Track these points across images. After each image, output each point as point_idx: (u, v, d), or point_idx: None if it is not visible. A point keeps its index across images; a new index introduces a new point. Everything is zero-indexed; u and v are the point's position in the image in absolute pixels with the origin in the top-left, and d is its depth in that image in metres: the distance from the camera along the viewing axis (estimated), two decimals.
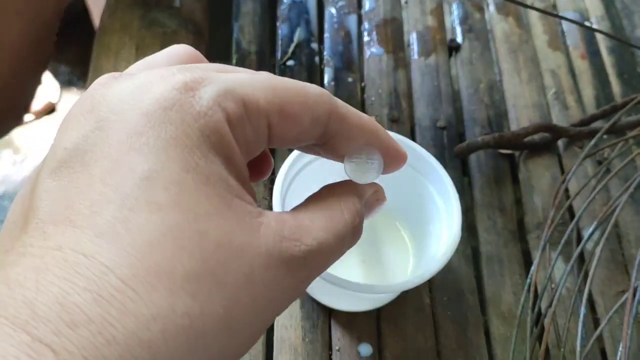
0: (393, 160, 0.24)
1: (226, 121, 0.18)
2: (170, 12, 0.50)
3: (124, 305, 0.15)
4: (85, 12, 1.15)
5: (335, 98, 0.21)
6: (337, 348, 0.39)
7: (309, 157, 0.38)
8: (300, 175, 0.39)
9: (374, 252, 0.41)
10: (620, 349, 0.35)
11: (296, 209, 0.21)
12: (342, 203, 0.22)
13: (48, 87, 1.28)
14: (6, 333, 0.14)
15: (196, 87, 0.18)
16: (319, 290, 0.40)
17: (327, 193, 0.22)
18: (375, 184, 0.24)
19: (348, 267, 0.40)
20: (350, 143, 0.22)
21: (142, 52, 0.47)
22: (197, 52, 0.22)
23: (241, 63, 0.51)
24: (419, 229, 0.41)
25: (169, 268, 0.16)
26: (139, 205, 0.16)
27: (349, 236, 0.21)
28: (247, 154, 0.20)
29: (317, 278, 0.32)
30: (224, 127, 0.18)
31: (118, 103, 0.18)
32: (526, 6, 0.46)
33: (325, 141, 0.22)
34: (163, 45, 0.48)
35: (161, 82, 0.18)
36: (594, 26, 0.57)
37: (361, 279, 0.40)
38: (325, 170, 0.39)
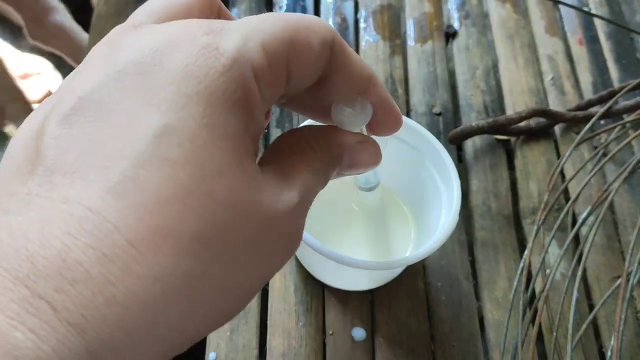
0: (387, 118, 0.23)
1: (252, 73, 0.18)
2: None
3: (127, 265, 0.15)
4: (87, 3, 1.16)
5: None
6: (330, 332, 0.39)
7: None
8: None
9: (377, 229, 0.42)
10: (613, 333, 0.35)
11: (280, 158, 0.21)
12: (321, 148, 0.22)
13: (50, 77, 1.29)
14: (6, 287, 0.14)
15: (218, 40, 0.18)
16: (319, 268, 0.40)
17: (308, 134, 0.22)
18: (363, 135, 0.23)
19: (351, 245, 0.40)
20: (347, 86, 0.21)
21: None
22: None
23: None
24: (421, 209, 0.41)
25: (175, 229, 0.16)
26: (151, 162, 0.16)
27: (330, 174, 0.22)
28: (267, 102, 0.19)
29: (320, 256, 0.33)
30: (250, 81, 0.18)
31: (138, 55, 0.17)
32: None
33: (325, 80, 0.21)
34: None
35: (184, 36, 0.18)
36: (593, 12, 0.57)
37: (364, 256, 0.40)
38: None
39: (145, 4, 0.20)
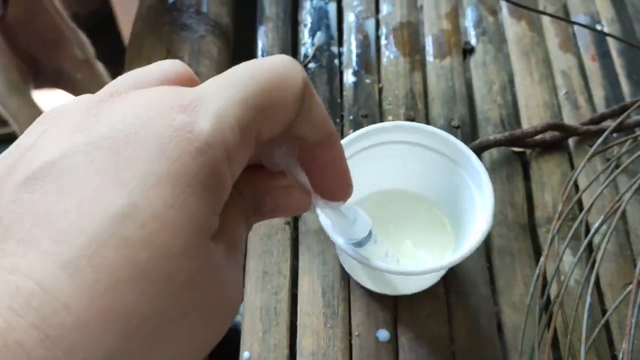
0: (335, 181, 0.23)
1: (225, 156, 0.18)
2: (199, 17, 0.53)
3: (72, 348, 0.14)
4: (110, 17, 1.19)
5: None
6: (356, 333, 0.42)
7: (354, 148, 0.41)
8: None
9: (416, 237, 0.44)
10: (625, 337, 0.38)
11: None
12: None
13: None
14: None
15: (193, 121, 0.17)
16: (366, 277, 0.43)
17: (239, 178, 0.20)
18: (291, 180, 0.22)
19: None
20: (306, 133, 0.21)
21: (172, 56, 0.50)
22: (188, 71, 0.21)
23: None
24: (457, 215, 0.43)
25: (128, 311, 0.15)
26: (110, 241, 0.15)
27: (252, 218, 0.22)
28: (236, 174, 0.19)
29: (376, 270, 0.35)
30: (223, 164, 0.18)
31: (111, 131, 0.17)
32: (537, 11, 0.48)
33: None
34: (192, 50, 0.51)
35: (158, 114, 0.17)
36: (605, 28, 0.59)
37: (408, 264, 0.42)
38: (368, 160, 0.42)
39: (123, 75, 0.20)
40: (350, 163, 0.40)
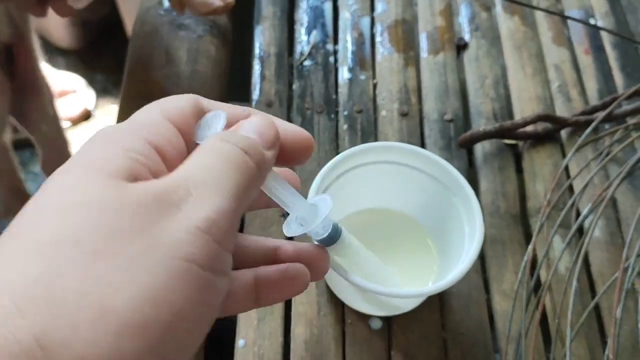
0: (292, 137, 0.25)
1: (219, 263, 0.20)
2: (197, 17, 0.54)
3: None
4: (118, 23, 1.21)
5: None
6: (349, 321, 0.43)
7: (345, 166, 0.41)
8: (336, 184, 0.41)
9: (400, 258, 0.43)
10: (612, 320, 0.38)
11: None
12: None
13: (84, 95, 1.35)
14: None
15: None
16: (346, 293, 0.43)
17: None
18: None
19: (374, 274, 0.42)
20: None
21: (171, 55, 0.52)
22: (186, 110, 0.23)
23: (261, 64, 0.55)
24: (444, 240, 0.42)
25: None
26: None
27: None
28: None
29: (352, 285, 0.34)
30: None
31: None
32: (531, 7, 0.49)
33: None
34: (190, 49, 0.53)
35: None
36: (599, 22, 0.60)
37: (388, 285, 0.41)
38: (359, 178, 0.42)
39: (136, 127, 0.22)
40: (339, 182, 0.41)
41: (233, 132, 0.23)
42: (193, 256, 0.19)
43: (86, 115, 1.35)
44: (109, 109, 1.37)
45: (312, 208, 0.26)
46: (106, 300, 0.17)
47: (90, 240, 0.18)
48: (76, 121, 1.34)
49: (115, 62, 1.36)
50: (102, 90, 1.39)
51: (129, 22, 1.17)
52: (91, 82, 1.37)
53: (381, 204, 0.44)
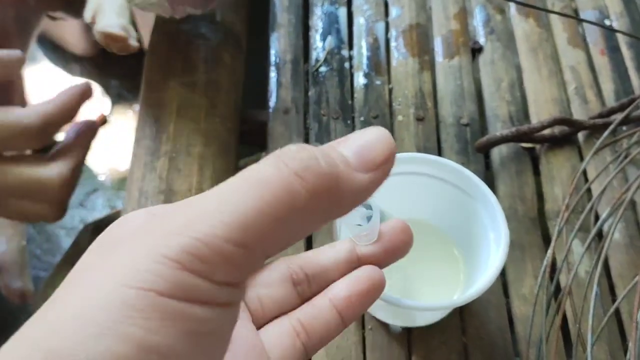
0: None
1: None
2: (213, 26, 0.55)
3: None
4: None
5: None
6: (369, 327, 0.43)
7: None
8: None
9: (426, 269, 0.43)
10: (632, 324, 0.38)
11: None
12: None
13: (100, 100, 1.36)
14: None
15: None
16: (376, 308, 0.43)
17: None
18: None
19: (404, 287, 0.42)
20: None
21: (188, 63, 0.52)
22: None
23: (277, 71, 0.56)
24: (469, 250, 0.42)
25: None
26: None
27: None
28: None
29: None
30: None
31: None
32: (545, 10, 0.49)
33: None
34: (207, 58, 0.53)
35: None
36: (614, 23, 0.59)
37: (415, 297, 0.42)
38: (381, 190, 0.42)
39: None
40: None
41: (326, 148, 0.20)
42: (152, 285, 0.17)
43: (102, 121, 1.37)
44: (125, 114, 1.39)
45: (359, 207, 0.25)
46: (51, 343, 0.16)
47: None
48: None
49: (130, 68, 1.37)
50: (117, 96, 1.40)
51: (142, 28, 1.18)
52: (106, 88, 1.39)
53: (405, 214, 0.45)
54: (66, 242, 1.19)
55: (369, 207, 0.26)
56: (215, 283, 0.18)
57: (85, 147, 0.45)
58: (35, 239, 1.19)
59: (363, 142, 0.20)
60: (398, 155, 0.43)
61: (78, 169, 0.43)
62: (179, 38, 0.54)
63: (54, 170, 0.42)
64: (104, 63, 1.42)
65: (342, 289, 0.27)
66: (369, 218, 0.26)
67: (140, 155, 0.48)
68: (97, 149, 1.32)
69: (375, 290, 0.27)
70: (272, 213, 0.18)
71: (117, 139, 1.35)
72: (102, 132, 1.36)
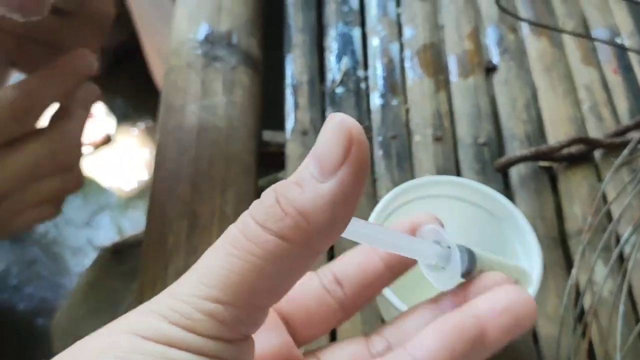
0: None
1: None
2: (230, 49, 0.55)
3: None
4: (137, 49, 1.23)
5: None
6: None
7: (405, 198, 0.41)
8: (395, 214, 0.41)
9: None
10: None
11: None
12: None
13: (105, 120, 1.36)
14: None
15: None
16: None
17: None
18: None
19: None
20: None
21: (206, 86, 0.53)
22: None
23: (294, 92, 0.56)
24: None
25: None
26: None
27: None
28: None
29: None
30: None
31: None
32: (557, 30, 0.49)
33: None
34: (225, 80, 0.53)
35: None
36: (625, 41, 0.60)
37: None
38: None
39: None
40: (390, 220, 0.42)
41: (261, 202, 0.19)
42: (137, 331, 0.18)
43: (107, 140, 1.37)
44: (129, 133, 1.39)
45: (432, 244, 0.24)
46: None
47: None
48: (97, 146, 1.36)
49: (135, 86, 1.37)
50: (122, 115, 1.40)
51: (148, 48, 1.19)
52: (111, 107, 1.39)
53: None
54: (73, 261, 1.19)
55: (439, 243, 0.24)
56: (205, 336, 0.18)
57: (86, 109, 0.42)
58: (42, 259, 1.19)
59: (317, 144, 0.19)
60: (419, 180, 0.43)
61: (81, 131, 0.41)
62: (197, 61, 0.54)
63: (56, 132, 0.39)
64: (108, 82, 1.43)
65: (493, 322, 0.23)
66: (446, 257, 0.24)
67: (163, 180, 0.48)
68: (102, 167, 1.32)
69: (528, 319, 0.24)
70: (246, 267, 0.18)
71: (122, 158, 1.35)
72: (107, 151, 1.36)
